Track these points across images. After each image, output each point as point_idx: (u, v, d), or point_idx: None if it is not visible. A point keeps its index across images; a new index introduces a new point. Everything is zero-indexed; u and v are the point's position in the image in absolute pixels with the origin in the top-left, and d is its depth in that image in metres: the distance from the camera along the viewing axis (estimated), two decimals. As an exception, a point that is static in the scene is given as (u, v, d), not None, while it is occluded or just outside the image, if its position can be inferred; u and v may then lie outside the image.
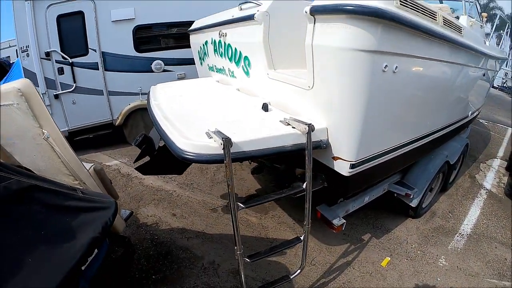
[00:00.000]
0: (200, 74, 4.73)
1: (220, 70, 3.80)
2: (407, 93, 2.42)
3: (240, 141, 1.89)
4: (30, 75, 4.96)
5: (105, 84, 5.43)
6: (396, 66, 2.04)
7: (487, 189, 5.05)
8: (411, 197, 3.53)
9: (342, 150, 2.23)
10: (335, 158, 2.30)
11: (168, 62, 5.60)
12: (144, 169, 3.32)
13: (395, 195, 3.59)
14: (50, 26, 4.94)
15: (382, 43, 1.88)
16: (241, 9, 3.02)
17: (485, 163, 6.13)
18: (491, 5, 24.43)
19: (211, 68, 4.10)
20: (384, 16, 1.77)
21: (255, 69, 2.96)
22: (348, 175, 2.27)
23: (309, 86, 2.24)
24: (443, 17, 2.43)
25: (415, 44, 2.15)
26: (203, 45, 4.07)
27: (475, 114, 5.26)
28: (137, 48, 5.41)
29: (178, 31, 5.52)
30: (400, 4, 1.92)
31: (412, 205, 3.63)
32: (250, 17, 2.71)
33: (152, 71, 5.53)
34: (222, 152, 1.77)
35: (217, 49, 3.63)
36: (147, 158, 3.21)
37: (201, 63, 4.47)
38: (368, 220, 3.88)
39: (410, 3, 2.01)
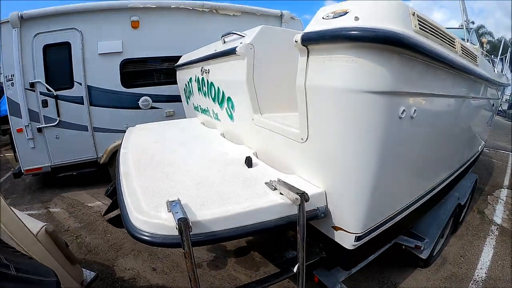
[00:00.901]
0: (187, 114, 4.35)
1: (204, 111, 3.41)
2: (424, 140, 1.97)
3: (207, 218, 1.43)
4: (14, 105, 4.70)
5: (90, 119, 5.05)
6: (415, 110, 1.57)
7: (498, 225, 4.58)
8: (422, 248, 3.03)
9: (345, 219, 1.74)
10: (336, 228, 1.81)
11: (156, 98, 5.23)
12: (116, 222, 2.86)
13: (403, 247, 3.08)
14: (36, 55, 4.67)
15: (398, 81, 1.41)
16: (224, 41, 2.65)
17: (492, 194, 5.68)
18: (481, 31, 24.59)
19: (196, 108, 3.71)
20: (403, 43, 1.31)
21: (239, 112, 2.57)
22: (352, 248, 1.79)
23: (302, 139, 1.78)
24: (461, 44, 2.00)
25: (433, 78, 1.69)
26: (188, 82, 3.71)
27: (484, 146, 4.84)
28: (124, 83, 5.06)
29: (167, 66, 5.16)
30: (420, 27, 1.46)
31: (423, 257, 3.13)
32: (232, 51, 2.32)
33: (140, 108, 5.14)
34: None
35: (201, 88, 3.25)
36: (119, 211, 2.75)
37: (187, 102, 4.10)
38: (372, 274, 3.35)
39: (430, 26, 1.57)
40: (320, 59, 1.49)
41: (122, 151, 2.56)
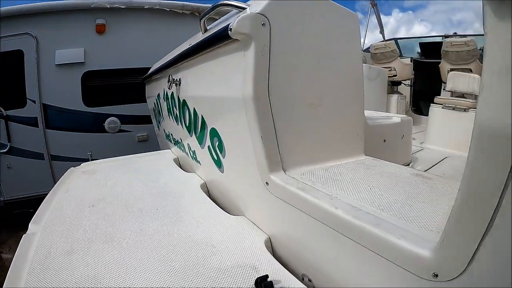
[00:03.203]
0: (160, 143, 3.21)
1: (177, 143, 2.31)
2: None
3: None
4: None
5: (46, 145, 3.88)
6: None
7: None
8: None
9: None
10: None
11: (126, 119, 4.06)
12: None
13: None
14: (-16, 67, 3.51)
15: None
16: (205, 30, 1.56)
17: None
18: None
19: (168, 137, 2.60)
20: None
21: (233, 161, 1.46)
22: None
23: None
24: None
25: None
26: (156, 99, 2.61)
27: None
28: (87, 100, 3.91)
29: (140, 80, 4.00)
30: None
31: None
32: (222, 35, 1.21)
33: (106, 131, 3.98)
34: None
35: (171, 109, 2.15)
36: None
37: (158, 127, 2.98)
38: None
39: None
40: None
41: (30, 228, 1.44)
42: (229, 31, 1.11)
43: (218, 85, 1.42)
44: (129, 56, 3.90)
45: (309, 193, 1.02)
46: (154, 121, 3.22)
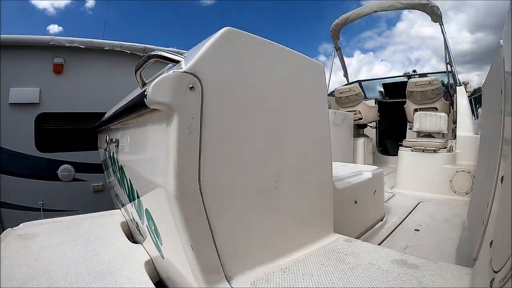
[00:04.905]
0: (112, 197, 2.78)
1: (124, 206, 1.93)
2: None
3: None
4: None
5: (-7, 192, 3.34)
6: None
7: None
8: None
9: None
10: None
11: (80, 167, 3.60)
12: None
13: None
14: None
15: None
16: (143, 84, 1.25)
17: None
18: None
19: (116, 196, 2.21)
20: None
21: (171, 257, 1.13)
22: None
23: None
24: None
25: None
26: (103, 154, 2.24)
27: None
28: (40, 144, 3.44)
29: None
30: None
31: None
32: (140, 100, 0.88)
33: (59, 179, 3.49)
34: None
35: (115, 171, 1.80)
36: None
37: (109, 182, 2.58)
38: None
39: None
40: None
41: None
42: (145, 99, 0.79)
43: (145, 162, 1.10)
44: (87, 99, 3.51)
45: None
46: (105, 174, 2.83)
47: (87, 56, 3.48)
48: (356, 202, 1.82)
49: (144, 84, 1.28)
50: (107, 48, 3.48)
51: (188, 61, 0.84)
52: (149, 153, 1.06)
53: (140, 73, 1.20)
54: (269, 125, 1.02)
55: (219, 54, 0.87)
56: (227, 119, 0.87)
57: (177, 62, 0.91)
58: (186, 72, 0.78)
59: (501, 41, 1.10)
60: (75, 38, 3.44)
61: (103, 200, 3.56)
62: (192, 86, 0.79)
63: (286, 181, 1.05)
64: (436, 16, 4.12)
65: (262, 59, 1.00)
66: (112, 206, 2.71)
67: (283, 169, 1.06)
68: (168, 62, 0.96)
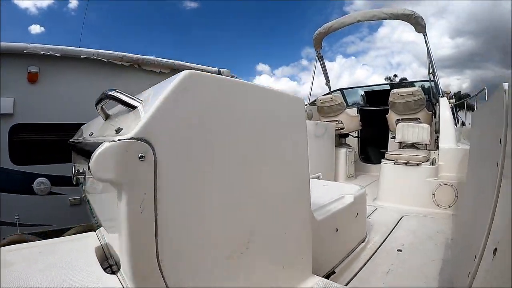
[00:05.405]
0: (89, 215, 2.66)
1: (98, 227, 1.84)
2: None
3: None
4: None
5: (-37, 208, 3.15)
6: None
7: None
8: None
9: None
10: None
11: (57, 181, 3.43)
12: None
13: None
14: None
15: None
16: (107, 117, 1.16)
17: None
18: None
19: (92, 217, 2.11)
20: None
21: None
22: None
23: None
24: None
25: None
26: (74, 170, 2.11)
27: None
28: (15, 157, 3.25)
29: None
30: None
31: None
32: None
33: (35, 193, 3.31)
34: None
35: (87, 199, 1.71)
36: None
37: (83, 196, 2.45)
38: None
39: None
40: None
41: None
42: (91, 162, 0.66)
43: (106, 216, 1.01)
44: (63, 109, 3.33)
45: None
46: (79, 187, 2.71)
47: (63, 65, 3.30)
48: (337, 230, 1.77)
49: (107, 117, 1.18)
50: (84, 56, 3.31)
51: (145, 109, 0.75)
52: (106, 213, 0.97)
53: (102, 106, 1.11)
54: (241, 175, 0.95)
55: (177, 104, 0.76)
56: (188, 184, 0.78)
57: (134, 108, 0.82)
58: (134, 139, 0.67)
59: (505, 84, 1.01)
60: (50, 46, 3.25)
61: (80, 215, 3.40)
62: (142, 156, 0.68)
63: (260, 236, 0.98)
64: (420, 26, 4.11)
65: (230, 102, 0.92)
66: (89, 219, 2.59)
67: (257, 223, 0.99)
68: (123, 106, 0.88)
